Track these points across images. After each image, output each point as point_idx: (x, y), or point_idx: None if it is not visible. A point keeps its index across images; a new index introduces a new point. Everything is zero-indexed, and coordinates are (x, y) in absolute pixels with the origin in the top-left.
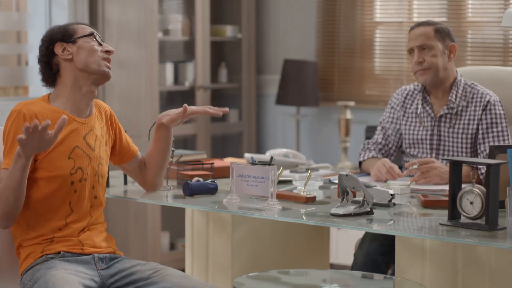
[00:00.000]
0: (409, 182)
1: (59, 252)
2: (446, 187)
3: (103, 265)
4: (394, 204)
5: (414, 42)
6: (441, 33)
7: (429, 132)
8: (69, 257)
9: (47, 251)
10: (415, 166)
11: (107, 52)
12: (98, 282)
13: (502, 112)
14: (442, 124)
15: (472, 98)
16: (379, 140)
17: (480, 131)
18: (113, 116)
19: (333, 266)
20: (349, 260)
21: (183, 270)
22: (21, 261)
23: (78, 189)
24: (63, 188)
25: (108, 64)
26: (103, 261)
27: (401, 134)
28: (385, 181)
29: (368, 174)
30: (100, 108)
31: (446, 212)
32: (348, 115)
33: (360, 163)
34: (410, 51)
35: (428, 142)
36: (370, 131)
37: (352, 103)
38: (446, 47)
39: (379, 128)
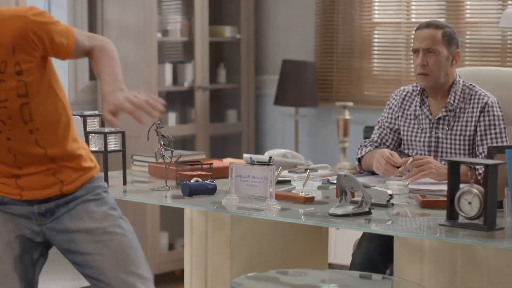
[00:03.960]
0: (408, 182)
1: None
2: (444, 187)
3: (45, 219)
4: (393, 204)
5: (420, 44)
6: (449, 38)
7: (427, 134)
8: (10, 204)
9: None
10: (410, 159)
11: None
12: (40, 234)
13: (500, 113)
14: (440, 126)
15: (470, 99)
16: (375, 139)
17: (478, 133)
18: (36, 27)
19: (331, 266)
20: (347, 260)
21: (182, 270)
22: None
23: None
24: None
25: None
26: (45, 215)
27: (399, 133)
28: (384, 173)
29: (368, 173)
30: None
31: (444, 212)
32: (347, 115)
33: (360, 160)
34: (415, 51)
35: (426, 144)
36: (368, 131)
37: (350, 104)
38: (451, 53)
39: (376, 127)
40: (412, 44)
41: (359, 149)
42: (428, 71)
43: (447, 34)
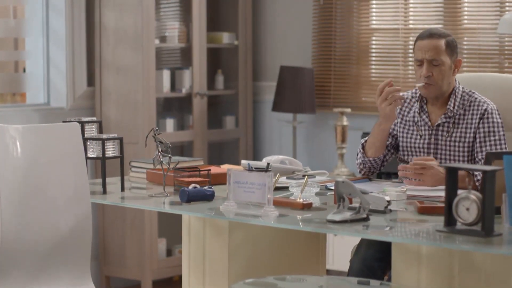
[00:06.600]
0: (405, 189)
1: None
2: (442, 193)
3: None
4: (390, 210)
5: (424, 55)
6: (451, 47)
7: (426, 141)
8: None
9: None
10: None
11: None
12: None
13: (499, 120)
14: (440, 132)
15: (470, 106)
16: None
17: (478, 140)
18: None
19: (329, 272)
20: (345, 266)
21: (180, 277)
22: None
23: None
24: None
25: None
26: None
27: (396, 139)
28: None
29: (366, 179)
30: None
31: (442, 218)
32: (345, 121)
33: (363, 146)
34: (418, 62)
35: (425, 150)
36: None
37: (348, 110)
38: (453, 62)
39: None
40: (411, 52)
41: (359, 147)
42: (432, 82)
43: (449, 43)
